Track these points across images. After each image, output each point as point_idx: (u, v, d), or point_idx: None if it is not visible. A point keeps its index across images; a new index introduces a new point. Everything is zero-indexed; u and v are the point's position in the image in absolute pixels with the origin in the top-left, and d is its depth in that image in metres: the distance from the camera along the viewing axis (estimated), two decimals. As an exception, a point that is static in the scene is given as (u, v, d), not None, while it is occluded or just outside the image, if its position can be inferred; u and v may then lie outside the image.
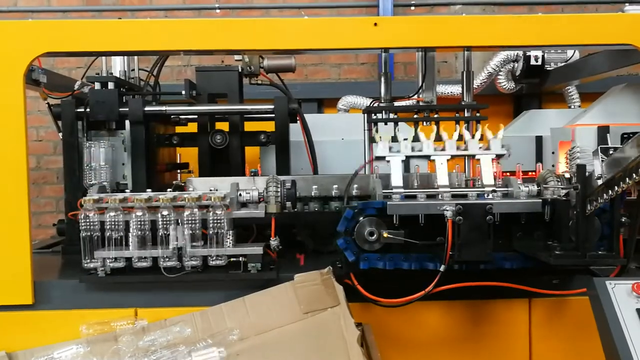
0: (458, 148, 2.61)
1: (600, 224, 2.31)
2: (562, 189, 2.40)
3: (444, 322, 2.59)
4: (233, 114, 3.36)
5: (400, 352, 2.56)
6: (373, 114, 2.89)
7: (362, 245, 2.36)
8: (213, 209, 2.45)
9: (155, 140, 3.33)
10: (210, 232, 2.46)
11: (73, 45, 2.54)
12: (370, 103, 3.12)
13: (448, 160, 2.58)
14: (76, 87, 3.30)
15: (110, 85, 3.18)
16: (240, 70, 3.47)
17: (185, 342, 2.34)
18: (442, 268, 2.27)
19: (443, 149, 2.61)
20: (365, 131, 3.01)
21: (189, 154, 3.71)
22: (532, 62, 4.12)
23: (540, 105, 4.65)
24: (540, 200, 2.36)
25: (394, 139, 2.65)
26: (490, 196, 2.44)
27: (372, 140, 2.92)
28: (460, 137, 2.92)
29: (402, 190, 2.47)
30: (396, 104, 2.97)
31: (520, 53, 4.16)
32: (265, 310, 2.39)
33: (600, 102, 3.39)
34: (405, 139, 2.61)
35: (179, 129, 3.73)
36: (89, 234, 2.48)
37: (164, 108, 3.21)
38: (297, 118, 3.39)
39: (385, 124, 2.89)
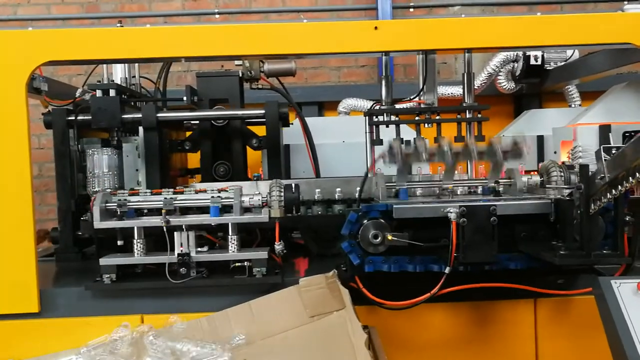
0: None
1: (604, 223, 2.32)
2: (564, 179, 2.40)
3: (449, 323, 2.59)
4: (229, 119, 3.35)
5: (406, 354, 2.56)
6: (374, 117, 2.90)
7: (366, 248, 2.37)
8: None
9: (167, 146, 3.34)
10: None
11: (75, 53, 2.55)
12: (372, 106, 3.12)
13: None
14: (77, 94, 3.30)
15: (112, 93, 3.18)
16: (240, 75, 3.47)
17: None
18: (447, 270, 2.27)
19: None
20: (367, 134, 3.01)
21: (195, 159, 3.70)
22: (532, 62, 4.13)
23: (541, 105, 4.65)
24: (545, 201, 2.36)
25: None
26: (494, 193, 2.45)
27: (373, 142, 2.93)
28: (462, 139, 2.94)
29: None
30: (397, 106, 2.98)
31: (520, 53, 4.17)
32: (271, 314, 2.40)
33: (602, 100, 3.40)
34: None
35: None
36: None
37: (177, 114, 3.22)
38: (296, 122, 3.39)
39: (387, 126, 2.90)
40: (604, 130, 3.07)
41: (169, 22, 5.38)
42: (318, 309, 2.38)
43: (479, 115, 2.85)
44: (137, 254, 2.53)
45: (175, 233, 2.49)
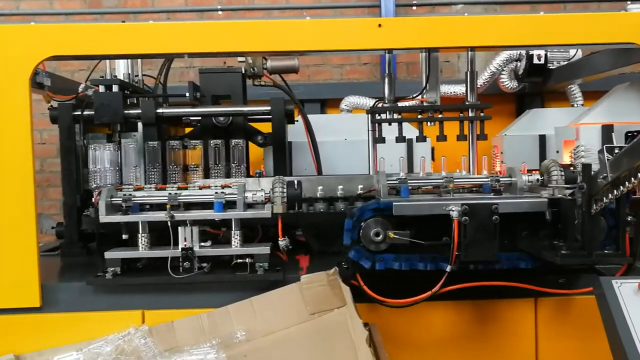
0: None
1: (605, 223, 2.32)
2: (568, 188, 2.40)
3: (450, 322, 2.60)
4: (233, 115, 3.36)
5: (407, 352, 2.56)
6: (377, 115, 2.90)
7: (368, 246, 2.37)
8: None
9: (167, 141, 3.33)
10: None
11: (78, 49, 2.55)
12: (374, 103, 3.12)
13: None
14: (80, 89, 3.31)
15: (115, 88, 3.19)
16: (243, 71, 3.48)
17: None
18: (448, 268, 2.27)
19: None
20: (370, 131, 3.02)
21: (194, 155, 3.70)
22: (535, 61, 4.12)
23: (543, 104, 4.65)
24: (546, 200, 2.36)
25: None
26: (495, 192, 2.45)
27: (376, 140, 2.93)
28: (465, 138, 2.94)
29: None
30: (400, 104, 2.98)
31: (523, 52, 4.16)
32: (272, 311, 2.40)
33: (604, 100, 3.39)
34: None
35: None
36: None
37: (176, 110, 3.22)
38: (299, 119, 3.39)
39: (390, 124, 2.90)
40: (607, 130, 3.07)
41: (172, 19, 5.38)
42: (319, 306, 2.39)
43: (482, 114, 2.85)
44: (142, 248, 2.54)
45: (179, 228, 2.50)
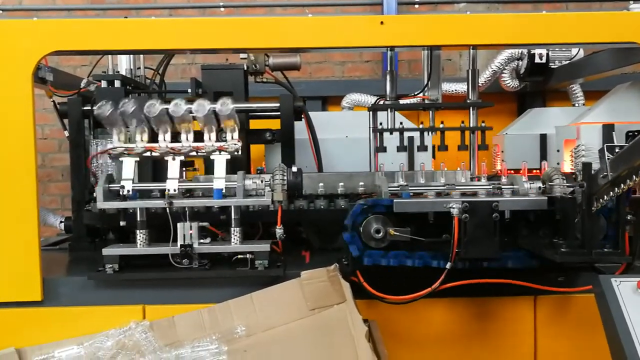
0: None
1: (605, 222, 2.32)
2: (568, 186, 2.40)
3: (449, 319, 2.61)
4: (238, 112, 3.36)
5: (406, 348, 2.57)
6: (379, 112, 2.91)
7: (368, 242, 2.38)
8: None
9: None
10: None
11: (80, 44, 2.56)
12: (376, 101, 3.13)
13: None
14: (82, 85, 3.32)
15: (117, 84, 3.20)
16: (245, 68, 3.48)
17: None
18: (448, 265, 2.28)
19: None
20: (371, 129, 3.02)
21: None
22: (537, 60, 4.11)
23: (544, 104, 4.65)
24: (546, 198, 2.37)
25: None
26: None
27: (377, 149, 2.94)
28: (465, 148, 2.94)
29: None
30: (401, 101, 2.99)
31: (525, 51, 4.16)
32: (273, 306, 2.41)
33: (606, 100, 3.39)
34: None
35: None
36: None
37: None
38: (302, 116, 3.40)
39: (391, 133, 2.90)
40: (608, 130, 3.07)
41: (174, 15, 5.38)
42: (319, 302, 2.40)
43: (483, 123, 2.85)
44: (140, 244, 2.54)
45: (178, 224, 2.50)
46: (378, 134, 2.87)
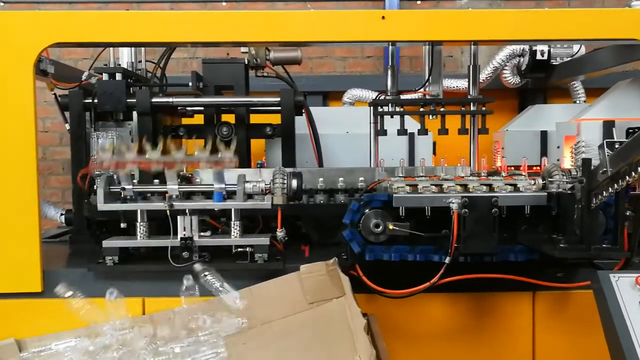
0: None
1: (604, 218, 2.33)
2: (568, 182, 2.41)
3: (448, 313, 2.61)
4: (239, 106, 3.38)
5: (404, 342, 2.58)
6: (380, 107, 2.91)
7: (367, 237, 2.38)
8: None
9: (162, 131, 3.35)
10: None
11: (82, 36, 2.56)
12: (377, 96, 3.13)
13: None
14: (84, 77, 3.31)
15: (118, 77, 3.19)
16: (246, 62, 3.48)
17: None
18: (447, 260, 2.28)
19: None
20: (372, 124, 3.02)
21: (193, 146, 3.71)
22: (538, 56, 4.11)
23: (546, 100, 4.65)
24: (546, 194, 2.37)
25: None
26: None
27: (378, 133, 2.94)
28: (466, 131, 2.95)
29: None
30: (402, 97, 2.99)
31: (526, 48, 4.16)
32: (272, 300, 2.42)
33: (606, 96, 3.40)
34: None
35: (185, 121, 3.75)
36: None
37: (171, 99, 3.23)
38: (303, 111, 3.40)
39: (392, 117, 2.90)
40: (608, 126, 3.07)
41: (175, 8, 5.38)
42: (318, 295, 2.41)
43: (484, 109, 2.85)
44: (140, 237, 2.55)
45: (178, 217, 2.51)
46: (379, 117, 2.87)
